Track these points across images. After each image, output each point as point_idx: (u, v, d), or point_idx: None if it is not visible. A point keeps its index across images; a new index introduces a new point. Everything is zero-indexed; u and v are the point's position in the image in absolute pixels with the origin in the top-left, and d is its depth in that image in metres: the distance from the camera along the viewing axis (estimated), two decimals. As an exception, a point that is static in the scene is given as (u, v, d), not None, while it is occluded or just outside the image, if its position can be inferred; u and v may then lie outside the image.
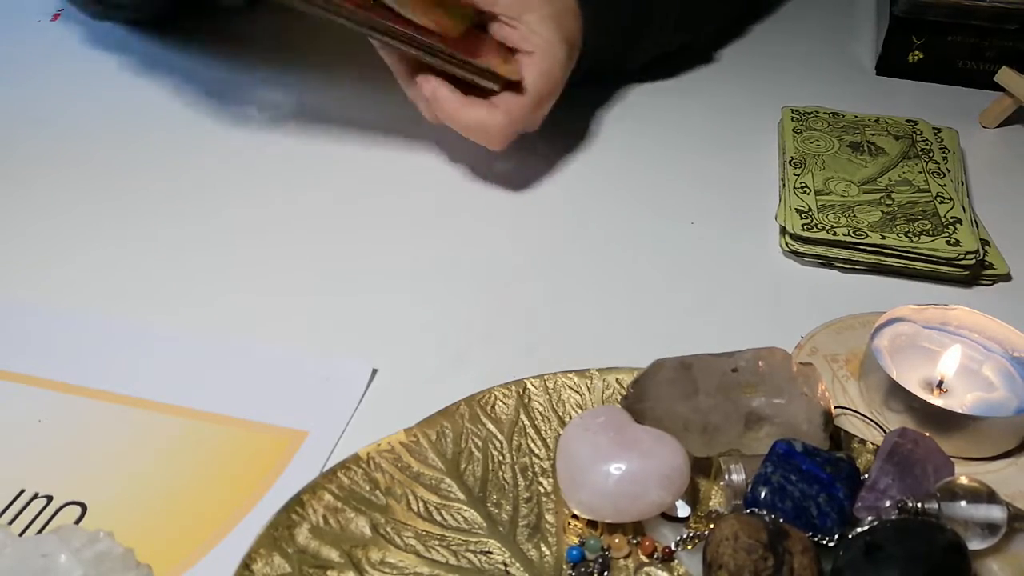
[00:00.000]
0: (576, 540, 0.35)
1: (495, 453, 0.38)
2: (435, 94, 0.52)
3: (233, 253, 0.51)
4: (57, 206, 0.54)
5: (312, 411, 0.40)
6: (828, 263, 0.50)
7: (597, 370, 0.41)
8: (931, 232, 0.49)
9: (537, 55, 0.53)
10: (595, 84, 0.65)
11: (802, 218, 0.50)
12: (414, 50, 0.50)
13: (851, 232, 0.49)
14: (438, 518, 0.35)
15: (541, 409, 0.40)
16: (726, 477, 0.35)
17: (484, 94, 0.53)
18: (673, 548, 0.34)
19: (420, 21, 0.50)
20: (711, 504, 0.36)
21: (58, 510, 0.36)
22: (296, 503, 0.35)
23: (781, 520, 0.32)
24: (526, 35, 0.53)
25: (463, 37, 0.52)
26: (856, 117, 0.60)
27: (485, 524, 0.35)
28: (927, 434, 0.35)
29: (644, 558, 0.34)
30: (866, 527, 0.32)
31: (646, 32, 0.64)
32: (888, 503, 0.33)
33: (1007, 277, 0.49)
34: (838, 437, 0.38)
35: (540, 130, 0.55)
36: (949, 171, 0.55)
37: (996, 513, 0.32)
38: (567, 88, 0.55)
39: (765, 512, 0.33)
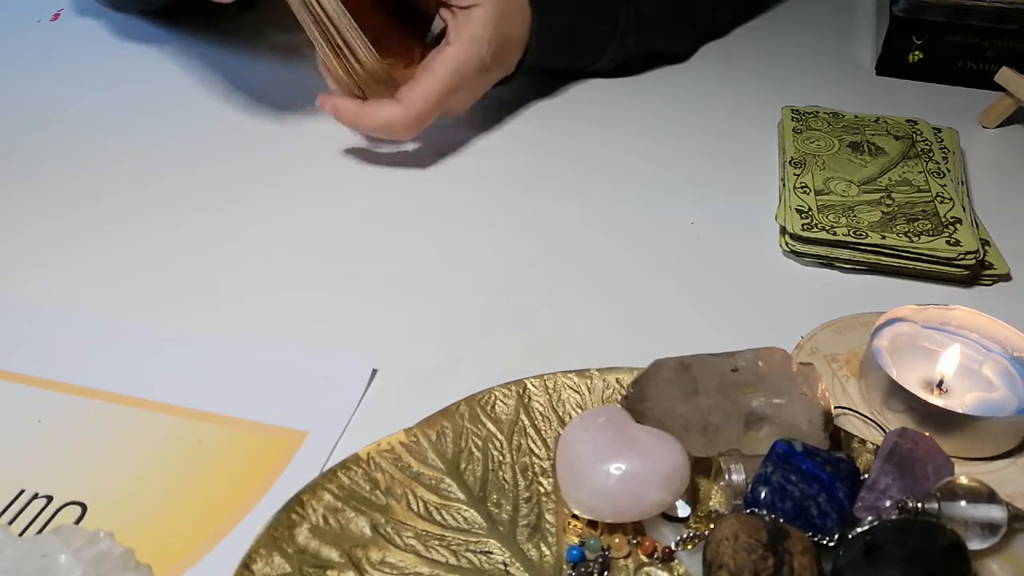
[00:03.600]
0: (576, 540, 0.35)
1: (495, 453, 0.38)
2: (336, 108, 0.54)
3: (234, 253, 0.51)
4: (57, 206, 0.54)
5: (312, 411, 0.40)
6: (828, 263, 0.50)
7: (597, 370, 0.41)
8: (931, 232, 0.49)
9: (456, 47, 0.53)
10: (574, 78, 0.65)
11: (802, 218, 0.50)
12: (328, 47, 0.52)
13: (851, 232, 0.49)
14: (438, 518, 0.35)
15: (541, 409, 0.40)
16: (726, 477, 0.35)
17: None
18: (673, 548, 0.34)
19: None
20: (711, 504, 0.36)
21: (58, 510, 0.36)
22: (296, 503, 0.35)
23: (781, 520, 0.32)
24: (458, 24, 0.53)
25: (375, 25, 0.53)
26: (856, 117, 0.60)
27: (485, 524, 0.35)
28: (927, 434, 0.35)
29: (644, 558, 0.34)
30: (866, 527, 0.32)
31: (609, 37, 0.63)
32: (888, 503, 0.33)
33: (1007, 277, 0.49)
34: (838, 437, 0.38)
35: (538, 131, 0.55)
36: (949, 171, 0.55)
37: (996, 513, 0.32)
38: (525, 83, 0.56)
39: (765, 512, 0.33)
